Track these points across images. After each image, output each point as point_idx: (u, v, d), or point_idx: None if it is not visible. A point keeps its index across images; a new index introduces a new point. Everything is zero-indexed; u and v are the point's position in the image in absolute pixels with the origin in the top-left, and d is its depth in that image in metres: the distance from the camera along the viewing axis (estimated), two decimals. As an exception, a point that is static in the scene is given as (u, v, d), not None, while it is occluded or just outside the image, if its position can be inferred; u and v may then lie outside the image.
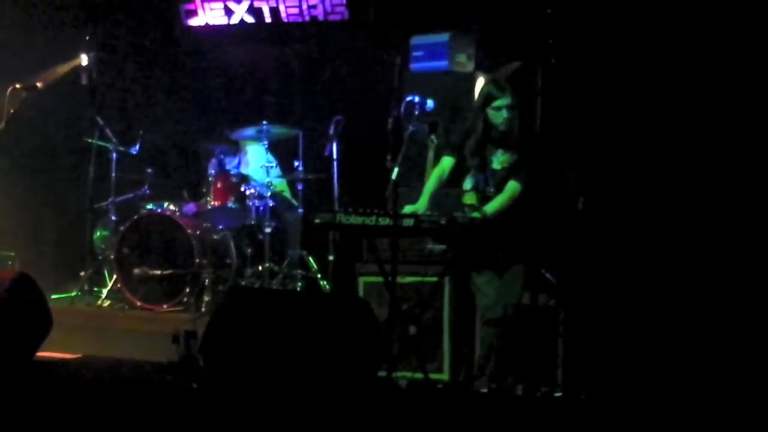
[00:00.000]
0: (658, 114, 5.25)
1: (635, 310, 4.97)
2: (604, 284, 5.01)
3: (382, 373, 4.35)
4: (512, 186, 4.79)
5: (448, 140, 5.16)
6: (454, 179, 5.02)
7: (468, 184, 4.94)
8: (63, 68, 6.50)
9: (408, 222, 4.50)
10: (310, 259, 6.81)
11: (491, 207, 4.77)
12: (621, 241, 5.15)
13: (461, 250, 4.78)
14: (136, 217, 6.72)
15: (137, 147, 7.13)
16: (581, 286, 4.85)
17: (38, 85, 5.83)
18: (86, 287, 7.00)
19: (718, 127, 5.10)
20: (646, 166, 5.19)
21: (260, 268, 6.58)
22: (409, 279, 5.00)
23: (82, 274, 7.03)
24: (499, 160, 4.86)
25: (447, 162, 5.01)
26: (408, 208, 4.75)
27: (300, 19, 7.59)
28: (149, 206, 6.84)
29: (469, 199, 4.89)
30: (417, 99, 5.23)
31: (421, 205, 4.85)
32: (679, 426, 3.96)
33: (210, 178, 6.82)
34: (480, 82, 5.72)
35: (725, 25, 5.09)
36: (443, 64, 5.98)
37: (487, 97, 4.84)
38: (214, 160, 7.01)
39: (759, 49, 5.05)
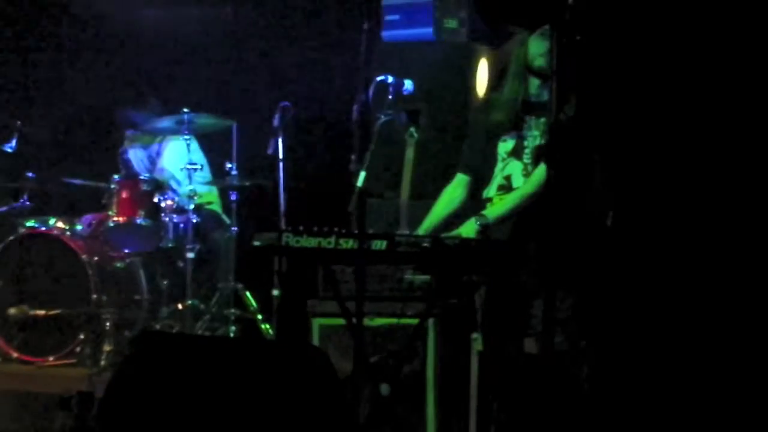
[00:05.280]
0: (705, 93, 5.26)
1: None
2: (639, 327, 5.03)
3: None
4: (539, 173, 4.77)
5: (462, 154, 5.18)
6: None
7: (491, 190, 4.94)
8: None
9: (379, 244, 4.47)
10: (248, 294, 6.90)
11: (498, 208, 4.82)
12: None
13: (450, 281, 4.77)
14: (11, 237, 6.79)
15: (13, 143, 7.15)
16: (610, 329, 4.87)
17: None
18: (-58, 334, 6.85)
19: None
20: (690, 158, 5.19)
21: (180, 306, 6.69)
22: (380, 321, 5.00)
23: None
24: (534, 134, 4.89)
25: (460, 182, 5.09)
26: None
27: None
28: (29, 223, 6.89)
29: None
30: (391, 79, 5.22)
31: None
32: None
33: (112, 186, 6.86)
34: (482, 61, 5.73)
35: None
36: (427, 31, 6.05)
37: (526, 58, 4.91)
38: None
39: None
